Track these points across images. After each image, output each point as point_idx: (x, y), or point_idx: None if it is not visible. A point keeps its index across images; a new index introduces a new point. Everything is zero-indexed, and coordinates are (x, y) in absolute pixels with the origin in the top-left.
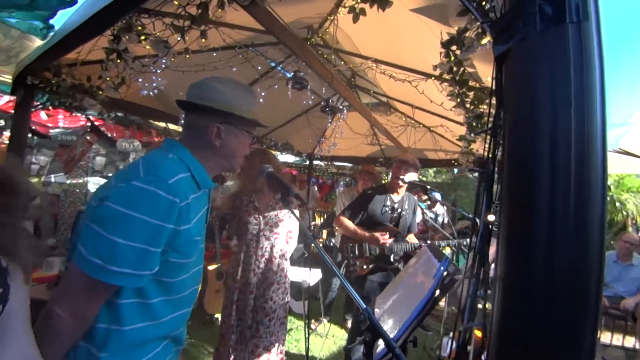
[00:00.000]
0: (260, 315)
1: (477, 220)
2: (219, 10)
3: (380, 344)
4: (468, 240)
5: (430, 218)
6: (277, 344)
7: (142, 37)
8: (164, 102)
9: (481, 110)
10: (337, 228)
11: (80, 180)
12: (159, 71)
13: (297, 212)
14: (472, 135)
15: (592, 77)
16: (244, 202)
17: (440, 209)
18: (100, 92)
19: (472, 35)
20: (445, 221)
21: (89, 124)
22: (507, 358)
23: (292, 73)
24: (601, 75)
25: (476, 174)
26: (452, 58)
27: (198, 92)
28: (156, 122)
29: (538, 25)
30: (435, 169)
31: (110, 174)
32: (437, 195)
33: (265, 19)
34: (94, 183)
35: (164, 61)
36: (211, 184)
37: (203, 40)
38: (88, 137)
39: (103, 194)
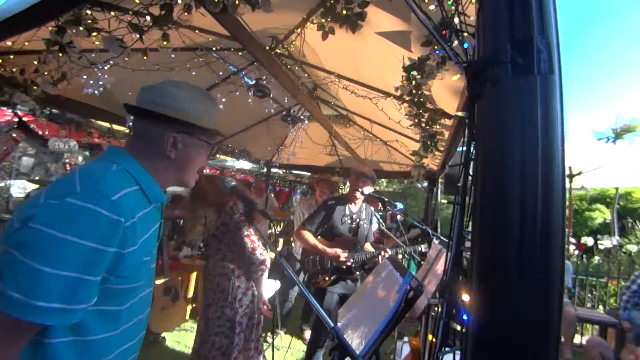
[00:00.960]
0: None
1: (429, 230)
2: (185, 13)
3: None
4: (421, 247)
5: (393, 227)
6: None
7: (94, 33)
8: (109, 100)
9: (434, 129)
10: (297, 240)
11: (2, 184)
12: (105, 68)
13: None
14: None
15: (555, 122)
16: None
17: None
18: (35, 88)
19: (432, 64)
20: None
21: (15, 119)
22: None
23: (254, 80)
24: (562, 121)
25: (425, 185)
26: (414, 82)
27: (152, 97)
28: (99, 122)
29: (510, 72)
30: (387, 179)
31: (37, 177)
32: (399, 205)
33: (233, 27)
34: (18, 187)
35: (114, 56)
36: (163, 198)
37: (165, 42)
38: (14, 134)
39: (28, 213)
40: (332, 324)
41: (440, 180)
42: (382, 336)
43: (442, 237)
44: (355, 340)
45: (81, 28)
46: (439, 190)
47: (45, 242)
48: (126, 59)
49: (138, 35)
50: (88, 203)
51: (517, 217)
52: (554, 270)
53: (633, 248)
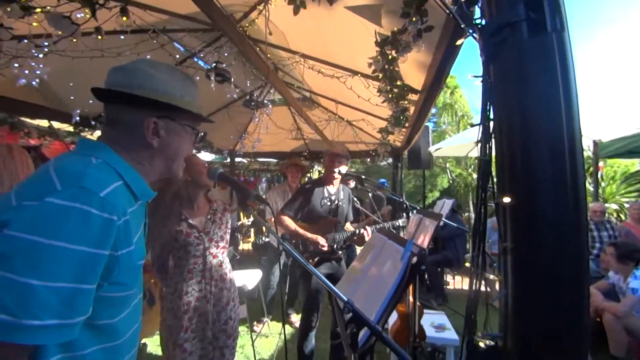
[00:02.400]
0: (223, 339)
1: (407, 203)
2: None
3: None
4: (399, 221)
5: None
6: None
7: (38, 10)
8: (47, 94)
9: (404, 105)
10: (277, 225)
11: None
12: (40, 55)
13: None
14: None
15: (572, 78)
16: (171, 220)
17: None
18: None
19: (409, 37)
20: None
21: None
22: (526, 323)
23: (213, 64)
24: (574, 77)
25: (390, 161)
26: (390, 57)
27: (126, 78)
28: (34, 121)
29: (526, 31)
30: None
31: None
32: (382, 181)
33: (202, 2)
34: None
35: (45, 43)
36: (152, 194)
37: (125, 18)
38: None
39: (0, 219)
40: (346, 298)
41: (403, 155)
42: (392, 303)
43: (417, 207)
44: (364, 311)
45: (15, 5)
46: (403, 165)
47: (29, 252)
48: (74, 40)
49: (91, 12)
50: (75, 202)
51: (549, 170)
52: (582, 215)
53: None
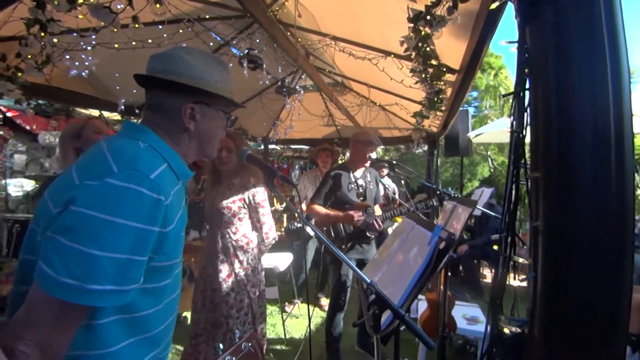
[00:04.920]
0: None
1: (439, 190)
2: None
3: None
4: (432, 201)
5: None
6: None
7: (80, 0)
8: (97, 85)
9: (439, 86)
10: (310, 215)
11: None
12: (89, 48)
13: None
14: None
15: (621, 42)
16: (213, 189)
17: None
18: (20, 74)
19: (443, 10)
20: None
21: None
22: (558, 312)
23: (245, 51)
24: (624, 40)
25: (425, 149)
26: (423, 33)
27: (164, 65)
28: (87, 110)
29: None
30: (384, 147)
31: (33, 173)
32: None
33: None
34: (15, 185)
35: (93, 36)
36: (190, 174)
37: (158, 5)
38: (1, 132)
39: (67, 196)
40: (369, 280)
41: (440, 142)
42: (417, 287)
43: (451, 194)
44: (390, 295)
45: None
46: (440, 152)
47: (92, 225)
48: (115, 30)
49: (128, 2)
50: (130, 183)
51: (589, 144)
52: (627, 192)
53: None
